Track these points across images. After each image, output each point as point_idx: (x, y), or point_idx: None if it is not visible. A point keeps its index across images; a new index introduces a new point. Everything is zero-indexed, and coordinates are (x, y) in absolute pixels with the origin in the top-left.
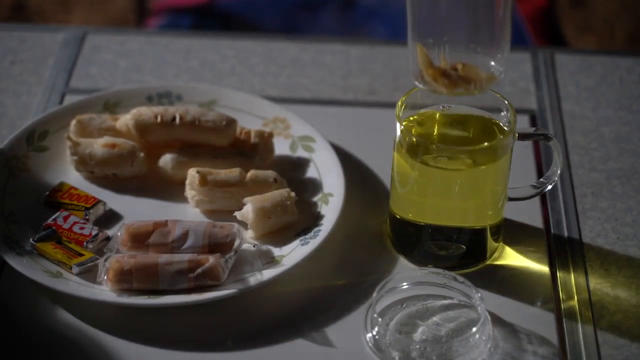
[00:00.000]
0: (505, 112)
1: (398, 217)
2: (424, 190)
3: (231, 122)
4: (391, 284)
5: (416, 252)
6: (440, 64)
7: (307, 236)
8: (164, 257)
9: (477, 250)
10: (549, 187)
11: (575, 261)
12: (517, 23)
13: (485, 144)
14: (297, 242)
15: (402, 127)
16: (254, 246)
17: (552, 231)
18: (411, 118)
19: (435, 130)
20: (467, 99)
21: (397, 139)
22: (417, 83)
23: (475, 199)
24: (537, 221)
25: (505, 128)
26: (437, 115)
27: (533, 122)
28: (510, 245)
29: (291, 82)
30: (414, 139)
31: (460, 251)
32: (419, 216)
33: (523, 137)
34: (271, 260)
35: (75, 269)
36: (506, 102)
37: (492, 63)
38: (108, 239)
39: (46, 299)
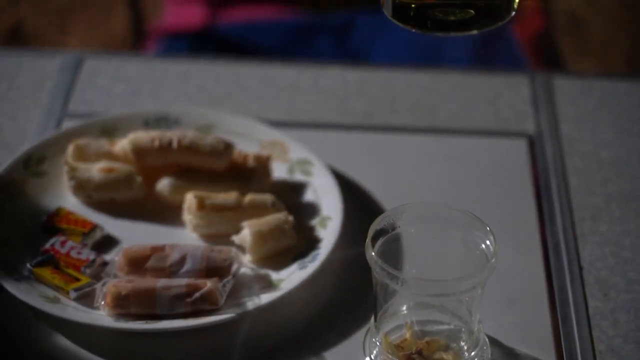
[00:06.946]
0: None
1: None
2: None
3: (229, 146)
4: (390, 308)
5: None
6: (406, 336)
7: (305, 260)
8: (161, 282)
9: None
10: None
11: (573, 285)
12: (514, 46)
13: None
14: (295, 266)
15: None
16: (251, 270)
17: (550, 255)
18: None
19: None
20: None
21: None
22: None
23: None
24: (535, 245)
25: None
26: None
27: (531, 145)
28: (508, 267)
29: (289, 105)
30: None
31: (469, 15)
32: None
33: None
34: (269, 285)
35: (73, 294)
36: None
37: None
38: (105, 263)
39: (44, 324)
